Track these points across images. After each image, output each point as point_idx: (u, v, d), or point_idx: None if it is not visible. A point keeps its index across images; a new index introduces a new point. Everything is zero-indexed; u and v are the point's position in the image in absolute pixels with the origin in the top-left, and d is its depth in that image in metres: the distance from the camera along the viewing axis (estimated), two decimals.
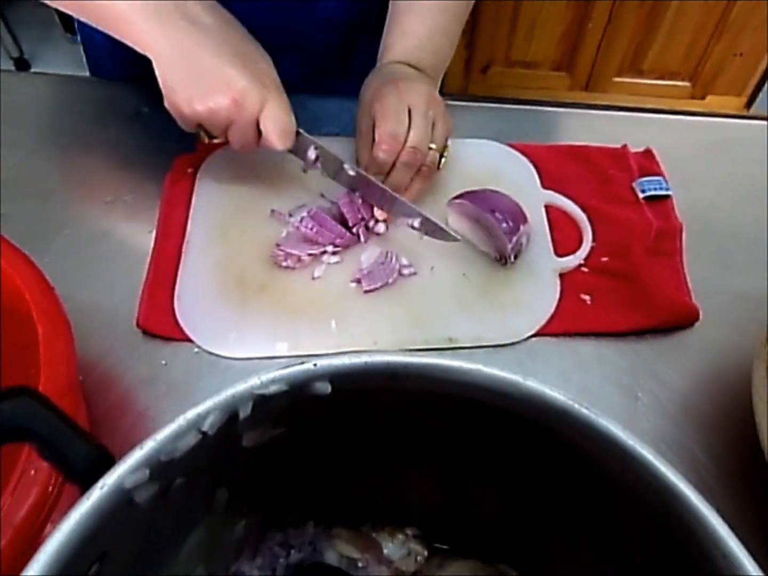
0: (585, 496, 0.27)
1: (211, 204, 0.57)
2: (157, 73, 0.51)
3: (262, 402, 0.22)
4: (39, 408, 0.23)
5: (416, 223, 0.52)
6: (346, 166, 0.53)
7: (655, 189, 0.58)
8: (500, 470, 0.31)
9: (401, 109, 0.52)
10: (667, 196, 0.59)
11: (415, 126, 0.52)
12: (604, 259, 0.54)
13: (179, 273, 0.52)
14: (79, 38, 0.74)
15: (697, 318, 0.52)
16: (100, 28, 0.52)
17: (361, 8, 0.69)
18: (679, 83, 1.83)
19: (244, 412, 0.22)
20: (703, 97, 1.86)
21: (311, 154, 0.53)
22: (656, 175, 0.60)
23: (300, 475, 0.34)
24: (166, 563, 0.31)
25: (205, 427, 0.22)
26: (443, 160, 0.55)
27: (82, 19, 0.55)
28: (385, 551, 0.39)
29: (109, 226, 0.57)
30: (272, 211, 0.56)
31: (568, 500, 0.29)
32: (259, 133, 0.51)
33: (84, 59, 0.77)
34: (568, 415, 0.22)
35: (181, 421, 0.21)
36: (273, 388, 0.22)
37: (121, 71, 0.68)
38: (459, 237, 0.51)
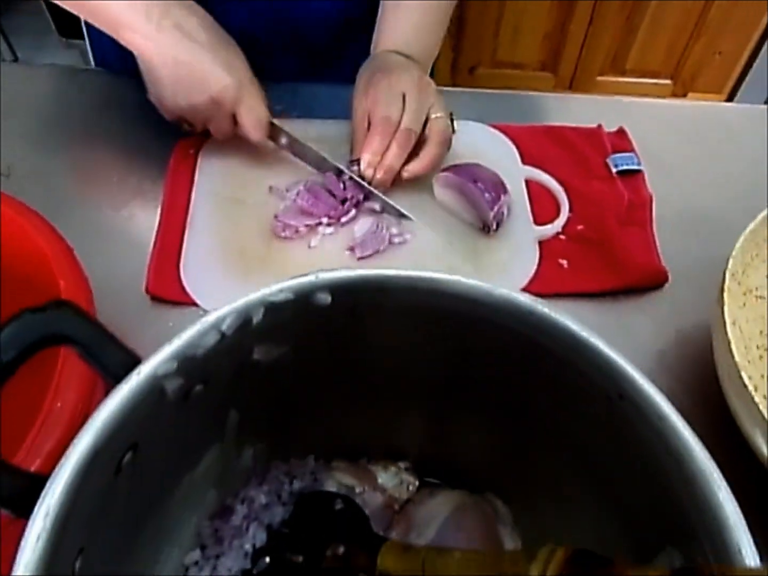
0: (553, 405, 0.30)
1: (213, 181, 0.60)
2: (141, 68, 0.57)
3: (271, 309, 0.26)
4: (78, 317, 0.27)
5: (377, 207, 0.58)
6: (315, 150, 0.59)
7: (627, 164, 0.63)
8: (479, 398, 0.35)
9: (394, 94, 0.56)
10: (639, 171, 0.63)
11: (408, 110, 0.56)
12: (580, 227, 0.58)
13: (184, 244, 0.56)
14: (84, 32, 0.78)
15: (665, 280, 0.56)
16: (96, 25, 0.57)
17: (355, 5, 0.73)
18: (661, 81, 1.88)
19: (257, 318, 0.26)
20: (684, 95, 1.91)
21: (283, 140, 0.60)
22: (628, 151, 0.64)
23: (302, 409, 0.38)
24: (183, 478, 0.35)
25: (224, 328, 0.25)
26: (455, 123, 0.60)
27: (81, 16, 0.59)
28: (380, 480, 0.43)
29: (117, 204, 0.60)
30: (270, 187, 0.60)
31: (540, 418, 0.33)
32: (236, 123, 0.56)
33: (90, 53, 0.81)
34: (533, 315, 0.26)
35: (203, 322, 0.25)
36: (281, 296, 0.26)
37: (126, 63, 0.72)
38: (413, 218, 0.57)
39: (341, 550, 0.33)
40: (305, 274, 0.26)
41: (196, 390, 0.29)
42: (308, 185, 0.58)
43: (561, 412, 0.30)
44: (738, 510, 0.21)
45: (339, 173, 0.59)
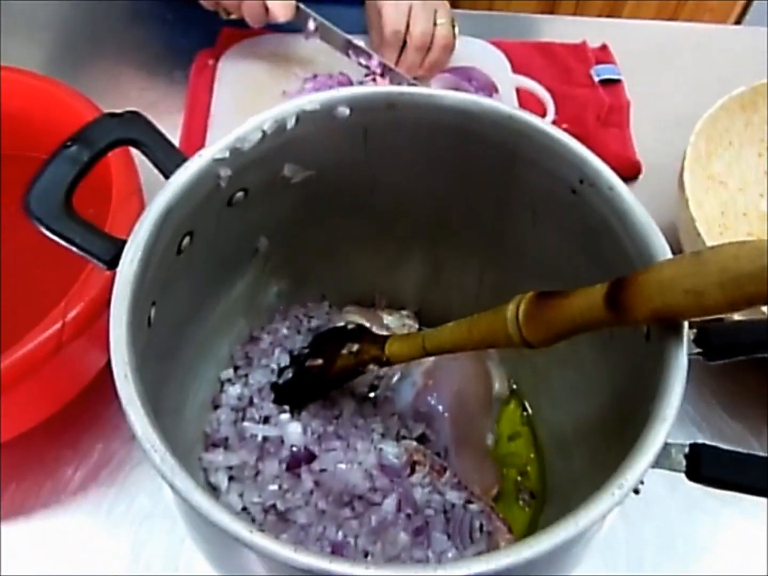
0: (529, 217, 0.37)
1: (231, 88, 0.66)
2: None
3: (302, 117, 0.32)
4: (146, 125, 0.33)
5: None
6: (341, 33, 0.64)
7: (609, 74, 0.69)
8: (469, 232, 0.41)
9: (400, 6, 0.62)
10: (619, 81, 0.69)
11: (417, 17, 0.62)
12: (564, 126, 0.64)
13: (206, 143, 0.62)
14: None
15: (639, 171, 0.62)
16: None
17: None
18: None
19: (290, 124, 0.32)
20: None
21: (311, 25, 0.64)
22: (610, 63, 0.70)
23: (319, 248, 0.44)
24: (221, 298, 0.41)
25: (265, 127, 0.32)
26: (456, 29, 0.65)
27: None
28: (385, 322, 0.49)
29: (143, 107, 0.65)
30: (284, 91, 0.65)
31: (521, 239, 0.39)
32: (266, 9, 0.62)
33: None
34: (512, 119, 0.32)
35: (250, 121, 0.32)
36: (310, 106, 0.32)
37: None
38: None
39: (355, 347, 0.40)
40: (331, 93, 0.33)
41: (237, 196, 0.35)
42: (321, 77, 0.64)
43: (536, 226, 0.37)
44: (657, 233, 0.28)
45: (368, 55, 0.64)
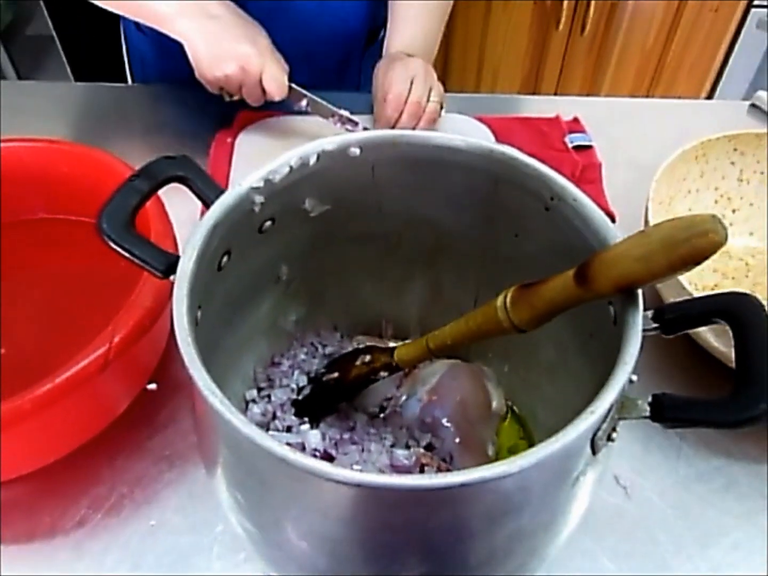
0: (511, 233, 0.43)
1: (247, 159, 0.75)
2: (188, 53, 0.71)
3: (321, 155, 0.40)
4: (195, 166, 0.40)
5: None
6: (328, 105, 0.75)
7: (581, 141, 0.78)
8: (463, 254, 0.48)
9: (405, 77, 0.72)
10: (590, 146, 0.78)
11: (415, 87, 0.72)
12: None
13: None
14: (124, 51, 0.95)
15: (614, 219, 0.70)
16: (140, 20, 0.73)
17: (358, 29, 0.90)
18: None
19: (312, 160, 0.39)
20: None
21: (303, 101, 0.75)
22: (582, 132, 0.79)
23: (331, 277, 0.51)
24: (246, 317, 0.47)
25: (292, 163, 0.39)
26: (443, 109, 0.75)
27: (123, 13, 0.75)
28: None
29: None
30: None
31: (505, 257, 0.45)
32: (263, 90, 0.72)
33: (129, 73, 0.98)
34: (493, 152, 0.39)
35: (280, 157, 0.39)
36: (328, 146, 0.40)
37: (165, 76, 0.89)
38: None
39: (367, 358, 0.45)
40: (345, 136, 0.40)
41: (266, 224, 0.42)
42: None
43: (520, 240, 0.43)
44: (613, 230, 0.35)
45: (355, 123, 0.74)
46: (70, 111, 0.84)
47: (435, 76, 0.75)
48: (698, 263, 0.28)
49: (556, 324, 0.41)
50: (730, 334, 0.31)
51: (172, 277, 0.36)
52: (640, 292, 0.32)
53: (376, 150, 0.41)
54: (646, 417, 0.31)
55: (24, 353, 0.54)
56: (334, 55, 0.90)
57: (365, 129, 0.74)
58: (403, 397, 0.52)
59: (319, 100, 0.76)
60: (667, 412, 0.30)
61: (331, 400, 0.48)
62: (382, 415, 0.51)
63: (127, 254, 0.36)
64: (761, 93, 0.84)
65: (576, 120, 0.82)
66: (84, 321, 0.55)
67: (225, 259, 0.39)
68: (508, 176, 0.40)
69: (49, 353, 0.52)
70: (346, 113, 0.76)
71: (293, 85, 0.74)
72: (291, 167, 0.39)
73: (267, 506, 0.31)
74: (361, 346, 0.52)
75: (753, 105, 0.85)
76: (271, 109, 0.78)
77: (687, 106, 0.89)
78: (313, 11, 0.86)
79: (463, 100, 0.86)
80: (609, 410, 0.29)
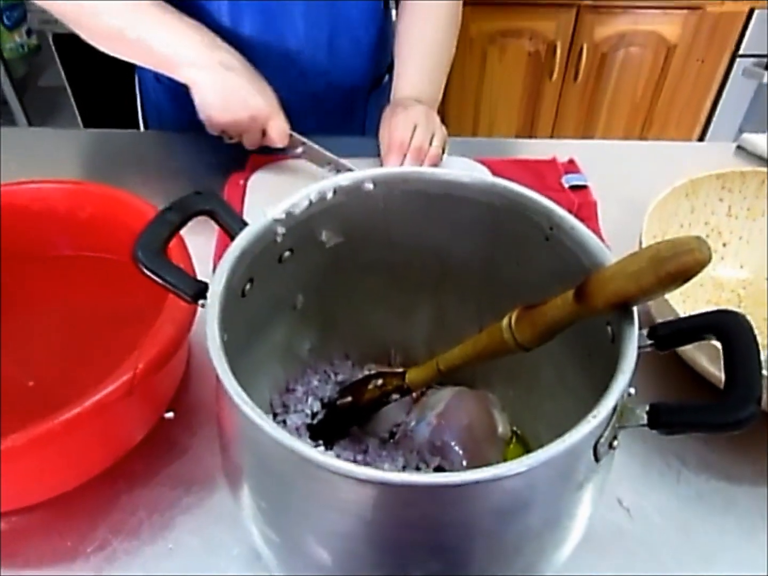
0: (512, 261, 0.46)
1: (259, 199, 0.79)
2: (194, 96, 0.75)
3: (337, 190, 0.43)
4: (221, 201, 0.43)
5: None
6: (325, 152, 0.80)
7: (576, 181, 0.82)
8: (466, 282, 0.51)
9: (408, 124, 0.76)
10: (586, 186, 0.82)
11: (417, 134, 0.76)
12: None
13: None
14: (138, 102, 1.00)
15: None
16: (151, 66, 0.78)
17: (363, 79, 0.95)
18: None
19: (329, 195, 0.43)
20: None
21: (300, 148, 0.80)
22: (577, 173, 0.83)
23: (342, 305, 0.53)
24: (263, 343, 0.49)
25: (312, 197, 0.42)
26: (445, 153, 0.79)
27: (136, 61, 0.80)
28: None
29: None
30: None
31: (506, 282, 0.48)
32: (263, 135, 0.77)
33: (141, 120, 1.03)
34: (495, 185, 0.43)
35: (302, 190, 0.42)
36: (344, 182, 0.43)
37: (180, 126, 0.93)
38: None
39: (379, 381, 0.48)
40: (360, 172, 0.43)
41: (286, 255, 0.45)
42: None
43: (521, 268, 0.46)
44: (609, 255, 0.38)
45: (349, 169, 0.78)
46: (83, 156, 0.89)
47: (438, 120, 0.80)
48: (686, 280, 0.31)
49: (556, 347, 0.43)
50: (720, 349, 0.34)
51: (201, 302, 0.38)
52: (635, 309, 0.35)
53: (388, 185, 0.44)
54: (643, 425, 0.33)
55: (50, 385, 0.57)
56: (340, 102, 0.95)
57: None
58: (413, 422, 0.54)
59: (316, 147, 0.81)
60: (663, 418, 0.32)
61: (345, 424, 0.50)
62: (392, 440, 0.54)
63: (159, 280, 0.39)
64: (747, 135, 0.89)
65: (571, 161, 0.86)
66: (107, 353, 0.57)
67: (248, 286, 0.42)
68: (510, 208, 0.43)
69: (73, 385, 0.54)
70: (342, 161, 0.80)
71: (293, 134, 0.79)
72: (310, 201, 0.42)
73: (290, 510, 0.33)
74: (372, 372, 0.55)
75: (739, 147, 0.90)
76: (268, 153, 0.82)
77: (677, 148, 0.93)
78: (322, 65, 0.91)
79: (461, 144, 0.91)
80: (610, 415, 0.31)
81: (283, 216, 0.41)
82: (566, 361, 0.46)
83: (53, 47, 1.96)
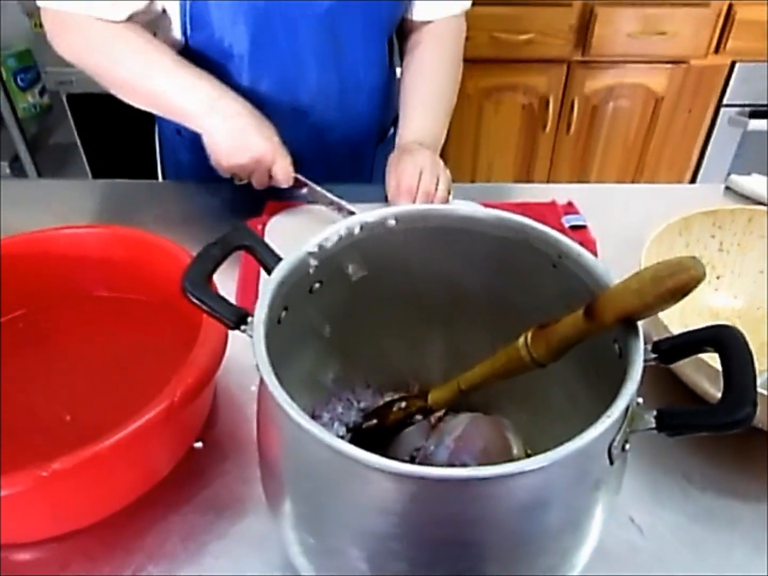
0: (523, 290, 0.50)
1: (277, 242, 0.82)
2: (206, 143, 0.82)
3: (364, 226, 0.47)
4: (257, 237, 0.48)
5: None
6: (327, 194, 0.85)
7: (576, 221, 0.87)
8: (479, 312, 0.54)
9: (415, 170, 0.81)
10: (585, 226, 0.87)
11: (424, 179, 0.80)
12: None
13: (260, 283, 0.77)
14: (157, 151, 1.06)
15: None
16: (164, 115, 0.85)
17: (369, 130, 1.01)
18: None
19: (356, 230, 0.47)
20: None
21: (304, 189, 0.85)
22: (576, 214, 0.88)
23: (365, 338, 0.57)
24: (293, 370, 0.53)
25: (341, 232, 0.46)
26: (450, 195, 0.84)
27: (152, 109, 0.86)
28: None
29: None
30: None
31: (518, 311, 0.52)
32: (270, 176, 0.82)
33: (160, 170, 1.09)
34: (504, 219, 0.47)
35: (333, 226, 0.46)
36: (369, 218, 0.47)
37: (197, 175, 0.99)
38: None
39: (403, 404, 0.51)
40: (384, 209, 0.48)
41: (316, 286, 0.49)
42: None
43: (530, 295, 0.50)
44: (613, 277, 0.42)
45: (349, 211, 0.83)
46: (103, 205, 0.94)
47: (442, 165, 0.85)
48: (684, 295, 0.35)
49: (566, 369, 0.47)
50: (718, 361, 0.38)
51: (242, 327, 0.42)
52: (640, 324, 0.39)
53: (409, 221, 0.49)
54: (652, 428, 0.36)
55: (86, 419, 0.60)
56: (349, 153, 1.01)
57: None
58: (432, 447, 0.57)
59: (318, 189, 0.86)
60: (669, 421, 0.36)
61: (368, 448, 0.53)
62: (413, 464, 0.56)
63: (205, 308, 0.43)
64: (734, 177, 0.94)
65: (570, 203, 0.91)
66: (139, 388, 0.60)
67: (283, 313, 0.46)
68: (520, 240, 0.47)
69: (107, 418, 0.57)
70: (343, 202, 0.85)
71: (298, 176, 0.85)
72: (340, 236, 0.47)
73: (331, 512, 0.36)
74: (394, 397, 0.58)
75: (728, 188, 0.95)
76: (275, 194, 0.88)
77: (669, 190, 0.99)
78: (332, 119, 0.97)
79: (461, 189, 0.96)
80: (623, 416, 0.34)
81: (316, 249, 0.46)
82: (576, 382, 0.49)
83: (67, 106, 2.04)
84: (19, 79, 2.34)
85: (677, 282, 0.35)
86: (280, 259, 0.46)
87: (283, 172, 0.82)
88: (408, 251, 0.51)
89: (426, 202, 0.80)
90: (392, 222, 0.48)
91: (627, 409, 0.35)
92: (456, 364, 0.59)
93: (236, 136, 0.80)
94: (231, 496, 0.58)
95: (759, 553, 0.54)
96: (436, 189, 0.81)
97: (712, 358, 0.50)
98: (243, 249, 0.47)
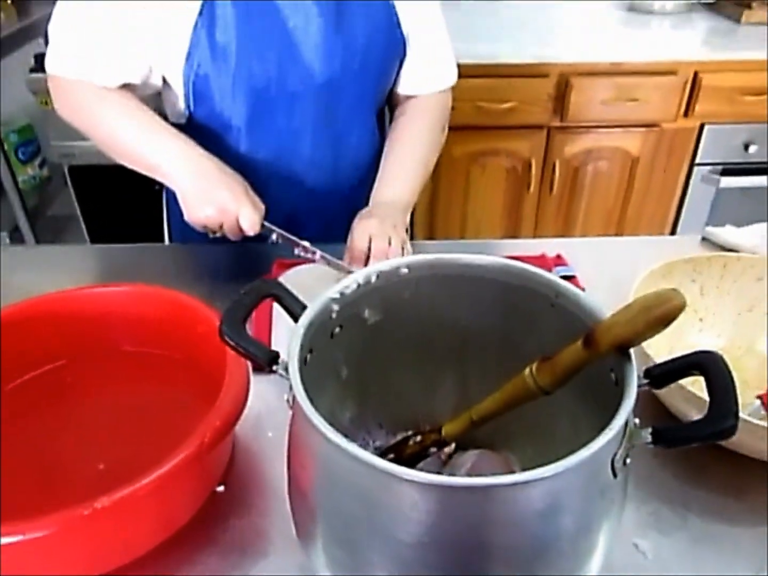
0: (525, 331, 0.55)
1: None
2: (179, 197, 0.86)
3: (380, 274, 0.52)
4: (283, 287, 0.52)
5: None
6: (293, 238, 0.88)
7: (565, 272, 0.93)
8: (486, 353, 0.59)
9: (364, 236, 0.85)
10: (574, 276, 0.93)
11: (374, 245, 0.84)
12: None
13: (272, 333, 0.82)
14: (165, 215, 1.12)
15: None
16: (138, 170, 0.90)
17: (368, 191, 1.08)
18: None
19: (373, 278, 0.52)
20: None
21: (273, 236, 0.87)
22: (565, 265, 0.95)
23: (378, 379, 0.61)
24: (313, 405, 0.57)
25: (360, 280, 0.51)
26: (405, 252, 0.86)
27: (128, 164, 0.91)
28: None
29: None
30: None
31: (522, 352, 0.57)
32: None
33: (167, 233, 1.15)
34: (506, 266, 0.52)
35: (352, 276, 0.51)
36: (384, 267, 0.53)
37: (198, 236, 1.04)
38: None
39: (419, 438, 0.55)
40: (397, 259, 0.53)
41: (336, 330, 0.53)
42: None
43: (533, 334, 0.55)
44: (605, 311, 0.47)
45: (313, 252, 0.87)
46: (103, 269, 0.99)
47: (397, 229, 0.87)
48: (670, 322, 0.40)
49: (570, 400, 0.52)
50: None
51: (274, 367, 0.47)
52: (632, 352, 0.44)
53: (420, 269, 0.54)
54: (649, 443, 0.41)
55: (118, 466, 0.63)
56: (341, 213, 1.06)
57: (322, 257, 0.87)
58: None
59: (286, 234, 0.88)
60: (663, 435, 0.40)
61: None
62: None
63: (241, 349, 0.47)
64: (709, 228, 1.02)
65: (559, 256, 0.98)
66: (166, 437, 0.63)
67: (309, 355, 0.50)
68: (521, 283, 0.53)
69: (138, 465, 0.60)
70: (306, 244, 0.88)
71: (266, 223, 0.87)
72: (359, 283, 0.52)
73: (364, 526, 0.40)
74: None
75: (704, 238, 1.02)
76: (247, 241, 0.90)
77: (651, 242, 1.06)
78: (325, 183, 1.05)
79: (452, 245, 1.03)
80: (623, 429, 0.39)
81: (338, 296, 0.51)
82: (578, 411, 0.54)
83: (68, 178, 2.12)
84: (20, 153, 2.43)
85: (664, 310, 0.40)
86: (304, 306, 0.51)
87: (248, 220, 0.84)
88: (420, 297, 0.56)
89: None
90: (405, 270, 0.54)
91: (626, 424, 0.40)
92: (465, 404, 0.63)
93: (201, 190, 0.85)
94: (254, 536, 0.61)
95: (760, 572, 0.57)
96: (389, 248, 0.84)
97: (691, 383, 0.55)
98: (271, 297, 0.52)
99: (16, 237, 2.33)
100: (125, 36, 0.88)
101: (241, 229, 0.86)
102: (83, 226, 2.23)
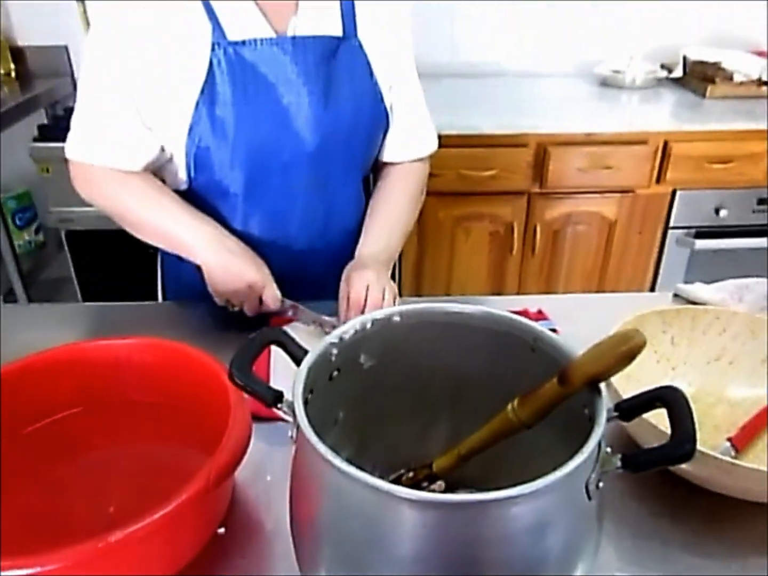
0: (512, 376, 0.60)
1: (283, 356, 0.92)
2: (205, 272, 0.95)
3: (374, 321, 0.58)
4: (287, 334, 0.57)
5: None
6: (311, 312, 0.97)
7: (547, 326, 0.98)
8: (477, 400, 0.64)
9: (362, 285, 0.92)
10: (555, 330, 0.98)
11: (371, 294, 0.91)
12: None
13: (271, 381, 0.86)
14: (159, 274, 1.19)
15: None
16: (166, 248, 1.00)
17: (347, 254, 1.14)
18: None
19: (368, 325, 0.57)
20: None
21: (290, 311, 0.97)
22: (547, 320, 1.00)
23: (372, 422, 0.65)
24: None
25: (356, 327, 0.57)
26: (396, 303, 0.94)
27: (156, 243, 1.01)
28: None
29: None
30: None
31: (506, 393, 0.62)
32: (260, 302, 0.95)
33: (160, 291, 1.22)
34: (492, 315, 0.58)
35: (350, 323, 0.57)
36: (379, 315, 0.58)
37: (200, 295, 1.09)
38: None
39: (411, 474, 0.59)
40: (390, 308, 0.59)
41: (334, 374, 0.58)
42: None
43: (518, 377, 0.60)
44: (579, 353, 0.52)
45: (332, 326, 0.93)
46: (95, 327, 1.03)
47: (387, 277, 0.96)
48: (633, 358, 0.46)
49: (549, 439, 0.56)
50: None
51: (278, 405, 0.51)
52: (603, 387, 0.49)
53: (411, 317, 0.59)
54: (619, 468, 0.45)
55: (127, 509, 0.65)
56: (330, 274, 1.11)
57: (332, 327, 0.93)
58: None
59: (303, 308, 0.98)
60: (632, 460, 0.45)
61: None
62: None
63: (249, 389, 0.52)
64: (680, 285, 1.08)
65: (540, 311, 1.03)
66: (172, 482, 0.67)
67: (310, 395, 0.55)
68: (504, 330, 0.58)
69: (146, 508, 0.63)
70: (325, 318, 0.96)
71: (284, 299, 0.97)
72: (356, 330, 0.57)
73: (371, 546, 0.44)
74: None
75: (676, 294, 1.09)
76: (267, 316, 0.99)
77: (628, 298, 1.15)
78: (316, 247, 1.12)
79: (439, 301, 1.08)
80: (595, 453, 0.44)
81: (337, 340, 0.56)
82: (559, 450, 0.57)
83: (65, 242, 2.18)
84: (17, 219, 2.49)
85: (628, 348, 0.45)
86: (305, 351, 0.56)
87: (271, 296, 0.95)
88: (411, 343, 0.61)
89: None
90: (397, 318, 0.59)
91: (598, 450, 0.45)
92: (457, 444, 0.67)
93: (232, 269, 0.94)
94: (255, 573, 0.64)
95: None
96: (383, 301, 0.92)
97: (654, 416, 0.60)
98: (275, 343, 0.57)
99: (11, 300, 2.36)
100: (140, 121, 0.97)
101: (260, 306, 0.95)
102: (77, 287, 2.28)
